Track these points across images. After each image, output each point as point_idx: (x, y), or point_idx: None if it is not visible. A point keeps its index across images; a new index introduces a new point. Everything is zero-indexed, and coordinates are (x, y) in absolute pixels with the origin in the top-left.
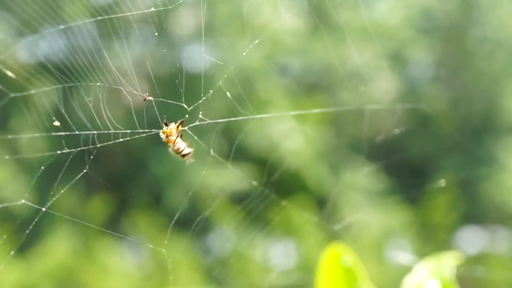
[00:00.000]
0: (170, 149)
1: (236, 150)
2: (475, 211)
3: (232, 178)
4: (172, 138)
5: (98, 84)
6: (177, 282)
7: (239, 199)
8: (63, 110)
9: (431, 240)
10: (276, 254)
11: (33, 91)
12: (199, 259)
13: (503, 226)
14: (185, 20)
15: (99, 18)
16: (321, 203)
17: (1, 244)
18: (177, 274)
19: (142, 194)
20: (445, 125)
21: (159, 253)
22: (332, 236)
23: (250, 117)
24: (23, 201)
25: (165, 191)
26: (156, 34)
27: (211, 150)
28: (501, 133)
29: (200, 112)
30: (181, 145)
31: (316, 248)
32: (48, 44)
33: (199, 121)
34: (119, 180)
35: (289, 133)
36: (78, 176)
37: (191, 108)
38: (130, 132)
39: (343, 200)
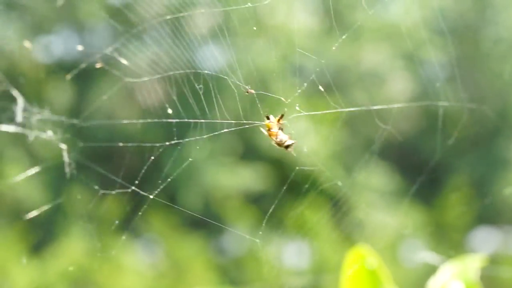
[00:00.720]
0: (273, 142)
1: (250, 150)
2: (489, 211)
3: (247, 178)
4: (274, 130)
5: (206, 72)
6: (192, 282)
7: (253, 199)
8: (174, 97)
9: (446, 240)
10: (291, 254)
11: (145, 78)
12: (213, 259)
13: None
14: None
15: (202, 11)
16: (336, 204)
17: (16, 243)
18: (192, 274)
19: (156, 194)
20: (459, 125)
21: (173, 252)
22: (347, 237)
23: (344, 109)
24: (133, 188)
25: (179, 190)
26: (255, 28)
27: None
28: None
29: (297, 105)
30: (283, 136)
31: (330, 249)
32: (157, 33)
33: (296, 114)
34: (134, 179)
35: (304, 133)
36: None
37: (288, 100)
38: (235, 123)
39: (358, 201)
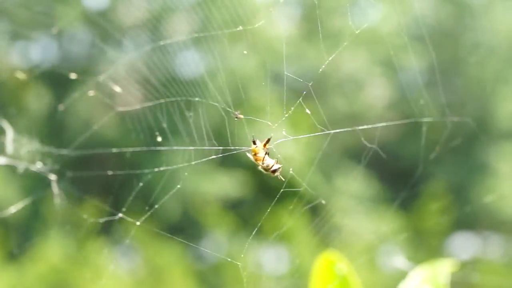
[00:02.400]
0: (259, 167)
1: (228, 157)
2: (467, 217)
3: (225, 184)
4: (260, 155)
5: (197, 99)
6: None
7: (232, 205)
8: (165, 125)
9: (424, 246)
10: (269, 260)
11: (137, 106)
12: (192, 265)
13: (495, 232)
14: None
15: (195, 35)
16: (314, 210)
17: None
18: (170, 280)
19: (134, 200)
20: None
21: (152, 258)
22: (324, 242)
23: (328, 132)
24: (120, 215)
25: (158, 197)
26: (245, 52)
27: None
28: (493, 139)
29: (284, 130)
30: (269, 161)
31: (308, 254)
32: (150, 60)
33: (283, 138)
34: (112, 185)
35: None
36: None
37: (275, 125)
38: (222, 149)
39: (336, 206)
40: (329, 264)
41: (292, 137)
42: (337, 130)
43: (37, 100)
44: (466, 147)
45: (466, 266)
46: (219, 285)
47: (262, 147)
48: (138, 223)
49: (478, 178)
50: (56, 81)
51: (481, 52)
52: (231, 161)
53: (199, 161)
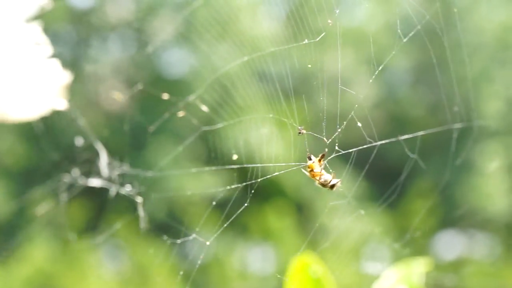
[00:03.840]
0: (316, 183)
1: (215, 156)
2: (453, 215)
3: (211, 183)
4: (317, 171)
5: (271, 115)
6: None
7: (218, 205)
8: (241, 143)
9: (410, 245)
10: (255, 259)
11: (220, 125)
12: (178, 265)
13: (480, 230)
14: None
15: (271, 50)
16: (300, 209)
17: None
18: (156, 280)
19: (120, 200)
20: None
21: (137, 258)
22: (310, 242)
23: (376, 144)
24: (194, 235)
25: (144, 195)
26: (309, 66)
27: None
28: (478, 138)
29: (336, 144)
30: (327, 177)
31: (294, 254)
32: (237, 76)
33: (335, 153)
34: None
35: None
36: (240, 211)
37: (329, 141)
38: (285, 165)
39: (322, 206)
40: (304, 266)
41: (344, 151)
42: (383, 142)
43: (128, 121)
44: (452, 145)
45: (452, 265)
46: (205, 284)
47: (317, 162)
48: (208, 243)
49: (463, 177)
50: (147, 101)
51: (466, 51)
52: (217, 160)
53: (263, 178)
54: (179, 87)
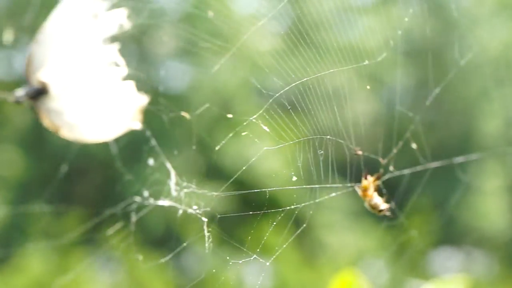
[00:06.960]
0: (366, 204)
1: (212, 170)
2: (450, 233)
3: (208, 198)
4: (370, 192)
5: (328, 137)
6: None
7: (214, 219)
8: (299, 164)
9: (406, 261)
10: (252, 275)
11: (281, 145)
12: (174, 278)
13: (477, 248)
14: None
15: (331, 71)
16: (297, 224)
17: None
18: None
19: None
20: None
21: (133, 271)
22: (308, 257)
23: (428, 166)
24: (255, 256)
25: (140, 209)
26: (368, 87)
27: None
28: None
29: (391, 165)
30: (377, 200)
31: (291, 269)
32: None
33: (389, 174)
34: (95, 197)
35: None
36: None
37: (385, 161)
38: (341, 186)
39: (319, 221)
40: (347, 284)
41: (398, 172)
42: (436, 164)
43: (194, 140)
44: (449, 165)
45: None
46: None
47: (372, 183)
48: (267, 263)
49: (461, 195)
50: (210, 120)
51: (467, 69)
52: (215, 173)
53: (321, 199)
54: (179, 102)
